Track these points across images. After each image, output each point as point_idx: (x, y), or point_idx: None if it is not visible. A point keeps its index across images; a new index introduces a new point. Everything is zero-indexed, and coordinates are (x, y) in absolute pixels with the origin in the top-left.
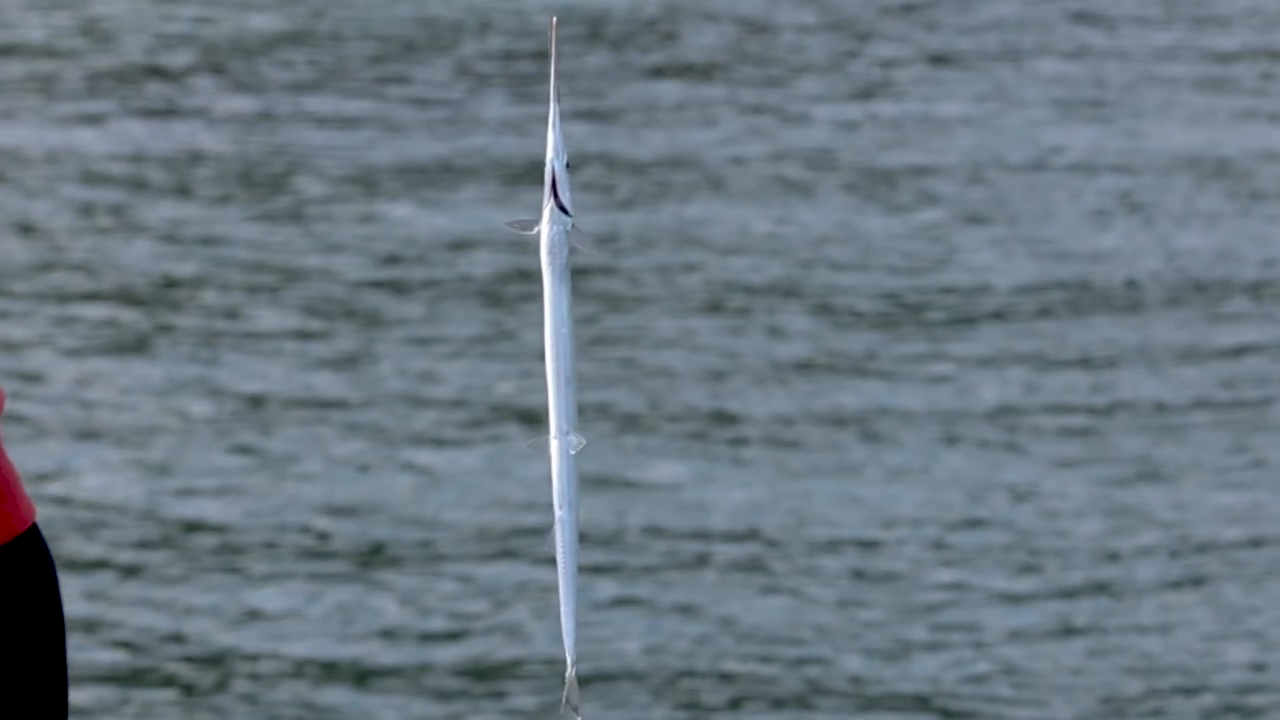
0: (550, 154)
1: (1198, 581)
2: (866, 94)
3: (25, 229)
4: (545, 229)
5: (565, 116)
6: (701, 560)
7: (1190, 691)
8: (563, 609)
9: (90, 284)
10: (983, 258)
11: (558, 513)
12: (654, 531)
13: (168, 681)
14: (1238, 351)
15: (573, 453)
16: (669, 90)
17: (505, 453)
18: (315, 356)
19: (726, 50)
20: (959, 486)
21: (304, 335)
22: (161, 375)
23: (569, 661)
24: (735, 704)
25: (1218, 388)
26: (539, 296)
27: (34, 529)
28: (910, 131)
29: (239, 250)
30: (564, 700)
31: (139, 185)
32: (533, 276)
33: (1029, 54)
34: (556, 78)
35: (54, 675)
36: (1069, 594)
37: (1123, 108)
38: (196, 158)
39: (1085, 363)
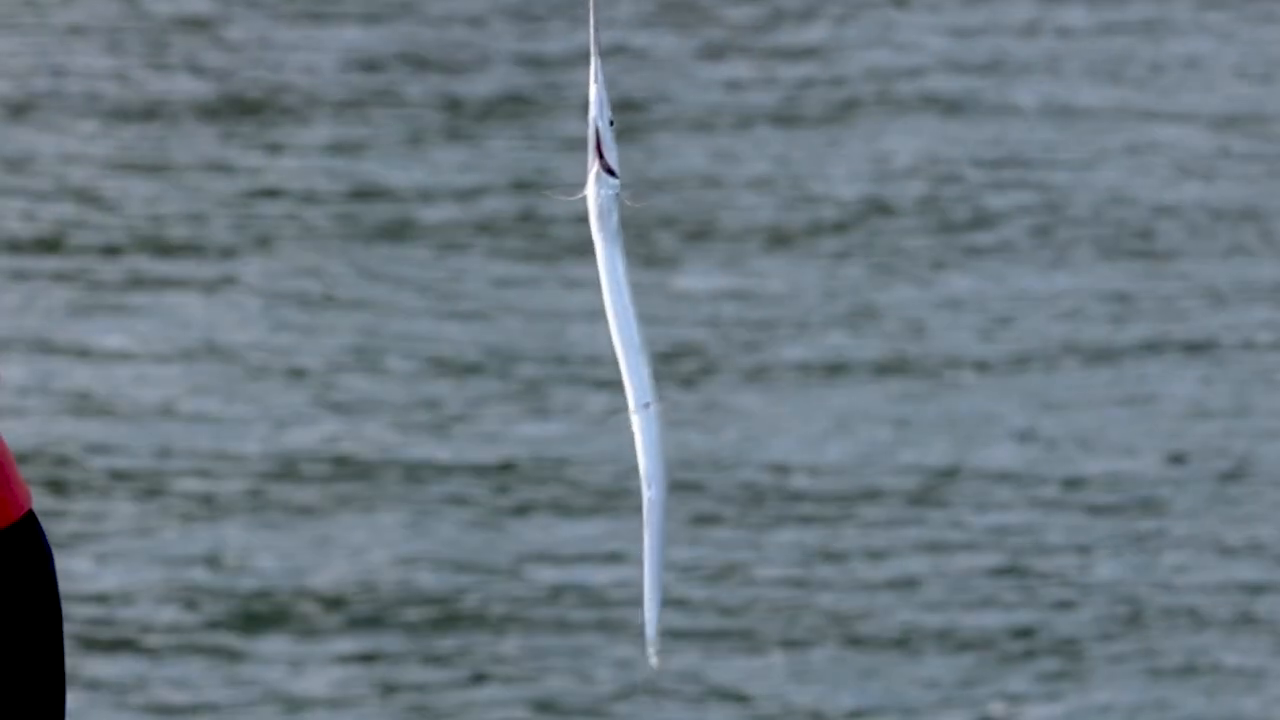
0: (593, 111)
1: None
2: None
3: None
4: (592, 193)
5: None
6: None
7: None
8: (646, 592)
9: (145, 234)
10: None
11: (645, 493)
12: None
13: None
14: None
15: (656, 424)
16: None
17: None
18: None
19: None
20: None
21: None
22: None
23: (650, 649)
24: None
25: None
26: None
27: (30, 515)
28: (958, 72)
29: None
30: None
31: (160, 123)
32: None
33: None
34: (597, 27)
35: (51, 663)
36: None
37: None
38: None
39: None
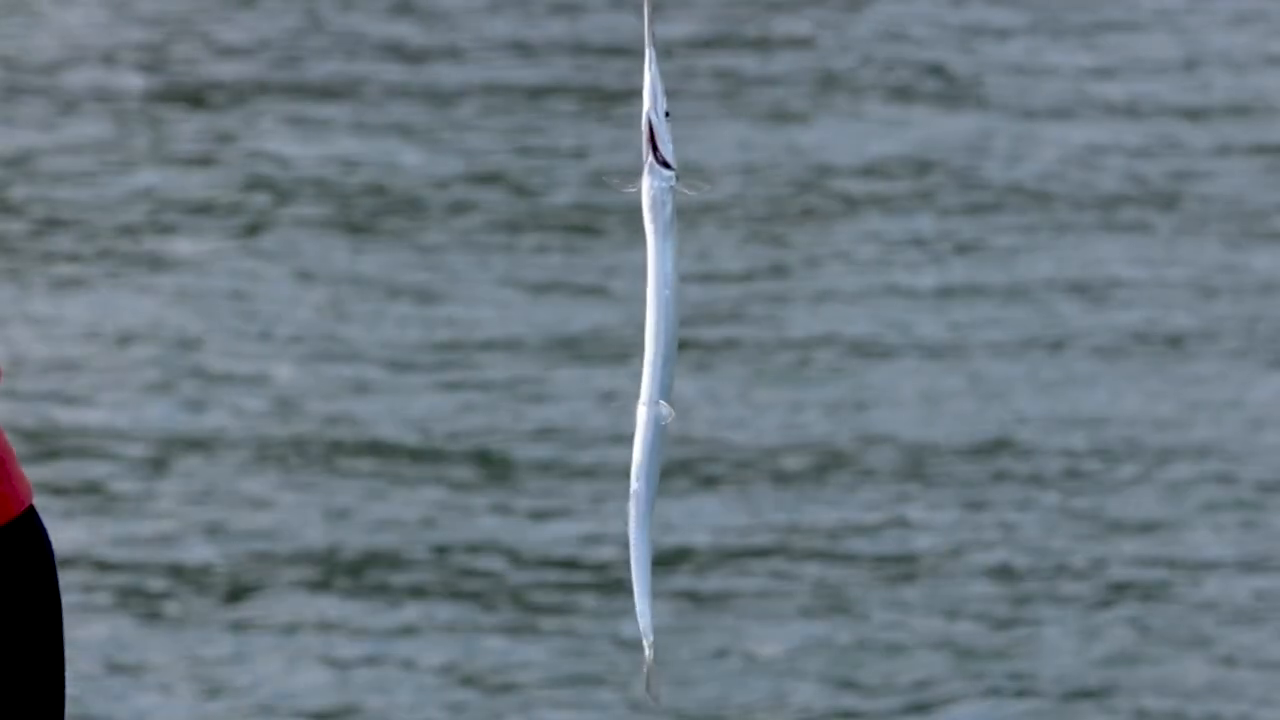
0: (647, 103)
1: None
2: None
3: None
4: (646, 186)
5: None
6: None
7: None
8: (635, 588)
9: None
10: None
11: (633, 485)
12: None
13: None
14: None
15: (663, 424)
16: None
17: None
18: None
19: None
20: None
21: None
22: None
23: (646, 645)
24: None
25: None
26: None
27: (31, 510)
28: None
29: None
30: (645, 685)
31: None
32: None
33: None
34: (652, 19)
35: (51, 658)
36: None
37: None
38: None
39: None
